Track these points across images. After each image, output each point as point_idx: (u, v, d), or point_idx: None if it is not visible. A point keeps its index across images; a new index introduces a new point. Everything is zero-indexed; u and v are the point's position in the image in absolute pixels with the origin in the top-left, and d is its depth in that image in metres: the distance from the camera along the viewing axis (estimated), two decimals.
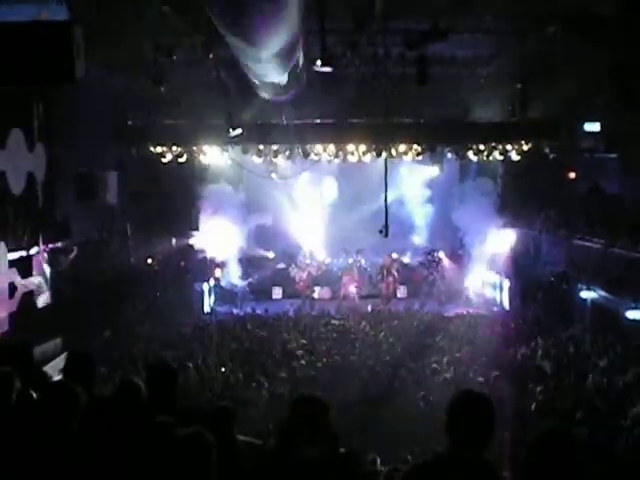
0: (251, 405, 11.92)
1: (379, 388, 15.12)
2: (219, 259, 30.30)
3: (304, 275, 30.49)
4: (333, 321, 24.27)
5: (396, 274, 30.70)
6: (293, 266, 30.78)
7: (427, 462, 4.55)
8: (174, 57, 18.44)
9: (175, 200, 27.17)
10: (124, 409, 6.05)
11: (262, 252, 31.81)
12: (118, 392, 6.40)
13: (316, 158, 25.70)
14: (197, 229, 28.95)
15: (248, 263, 31.21)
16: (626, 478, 6.38)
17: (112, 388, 6.64)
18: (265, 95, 20.44)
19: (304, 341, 20.32)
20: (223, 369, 16.87)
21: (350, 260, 30.98)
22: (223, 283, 30.71)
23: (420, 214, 31.25)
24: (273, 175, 27.90)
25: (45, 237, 19.05)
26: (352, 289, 30.23)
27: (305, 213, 31.35)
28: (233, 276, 30.55)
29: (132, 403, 6.16)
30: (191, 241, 29.48)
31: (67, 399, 5.59)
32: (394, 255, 30.70)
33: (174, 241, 28.80)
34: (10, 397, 6.00)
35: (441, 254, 31.15)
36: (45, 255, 18.94)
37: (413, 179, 30.67)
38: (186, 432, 5.03)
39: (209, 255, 30.05)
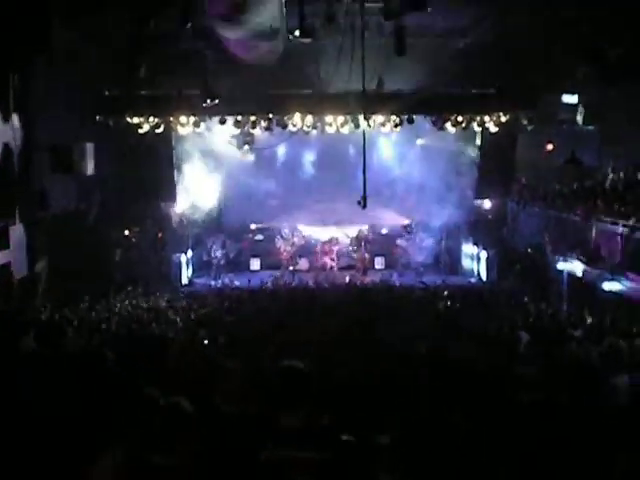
0: (233, 373, 11.88)
1: None
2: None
3: (289, 247, 30.61)
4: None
5: (368, 246, 30.89)
6: (279, 237, 30.82)
7: None
8: (151, 27, 18.26)
9: (154, 170, 26.98)
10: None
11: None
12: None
13: (294, 129, 25.64)
14: (175, 200, 28.80)
15: (227, 234, 31.23)
16: (607, 445, 6.45)
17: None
18: (242, 65, 20.32)
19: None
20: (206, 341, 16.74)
21: (328, 231, 31.04)
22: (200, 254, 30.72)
23: (402, 184, 31.16)
24: (246, 147, 27.74)
25: (22, 208, 18.93)
26: (328, 260, 30.36)
27: (284, 184, 31.24)
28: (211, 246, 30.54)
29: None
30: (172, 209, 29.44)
31: None
32: (367, 227, 30.89)
33: (152, 211, 28.75)
34: None
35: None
36: (22, 226, 18.84)
37: (396, 149, 30.69)
38: (168, 401, 5.07)
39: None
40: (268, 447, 4.87)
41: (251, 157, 29.65)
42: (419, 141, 29.91)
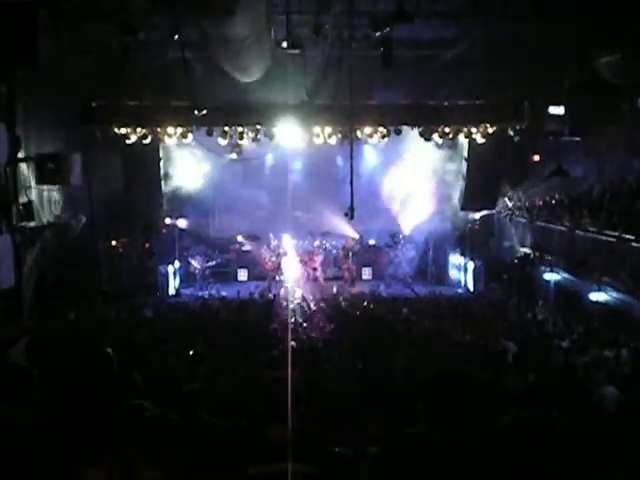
0: (219, 385, 11.84)
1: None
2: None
3: (274, 257, 30.52)
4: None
5: (355, 257, 30.93)
6: (265, 247, 30.73)
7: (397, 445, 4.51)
8: (139, 37, 18.21)
9: (141, 180, 26.99)
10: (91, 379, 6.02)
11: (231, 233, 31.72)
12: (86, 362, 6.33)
13: (281, 140, 25.61)
14: (162, 210, 28.80)
15: (213, 245, 31.17)
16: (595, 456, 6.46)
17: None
18: (230, 76, 20.32)
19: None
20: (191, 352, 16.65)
21: (316, 242, 30.97)
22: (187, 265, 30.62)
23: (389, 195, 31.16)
24: (233, 155, 27.53)
25: (8, 219, 18.82)
26: (311, 271, 30.23)
27: (272, 195, 31.14)
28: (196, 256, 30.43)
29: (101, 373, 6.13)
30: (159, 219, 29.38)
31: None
32: (353, 237, 30.89)
33: (140, 222, 28.67)
34: None
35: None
36: (8, 237, 18.71)
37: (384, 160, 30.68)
38: (154, 413, 5.05)
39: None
40: (256, 460, 4.85)
41: (239, 167, 29.60)
42: (406, 152, 29.83)
